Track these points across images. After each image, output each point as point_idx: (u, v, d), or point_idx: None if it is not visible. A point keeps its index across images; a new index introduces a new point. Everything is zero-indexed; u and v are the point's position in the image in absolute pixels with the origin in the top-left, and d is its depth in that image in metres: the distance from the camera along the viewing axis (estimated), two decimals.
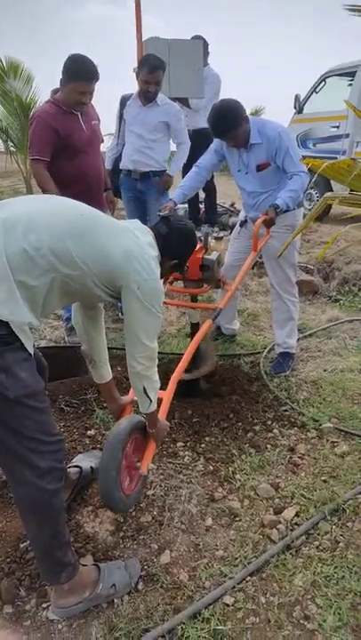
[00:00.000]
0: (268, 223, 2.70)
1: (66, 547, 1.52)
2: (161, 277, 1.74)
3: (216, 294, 3.59)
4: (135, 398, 1.86)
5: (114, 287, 1.57)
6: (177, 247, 1.84)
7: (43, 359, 1.71)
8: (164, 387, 2.00)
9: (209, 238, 2.57)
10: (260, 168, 2.78)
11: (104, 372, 1.98)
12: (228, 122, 2.57)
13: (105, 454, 1.78)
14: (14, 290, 1.32)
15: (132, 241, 1.59)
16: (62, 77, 2.76)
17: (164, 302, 2.71)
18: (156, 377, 1.76)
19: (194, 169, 3.03)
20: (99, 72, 2.76)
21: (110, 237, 1.53)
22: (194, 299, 2.73)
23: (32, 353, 1.41)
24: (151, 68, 3.43)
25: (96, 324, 1.89)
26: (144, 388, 1.72)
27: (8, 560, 1.74)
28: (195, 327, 2.71)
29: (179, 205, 8.03)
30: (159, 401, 1.99)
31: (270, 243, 2.88)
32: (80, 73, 2.72)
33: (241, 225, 3.16)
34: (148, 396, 1.75)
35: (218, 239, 5.93)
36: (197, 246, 2.46)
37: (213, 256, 2.49)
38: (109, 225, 1.59)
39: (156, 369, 1.76)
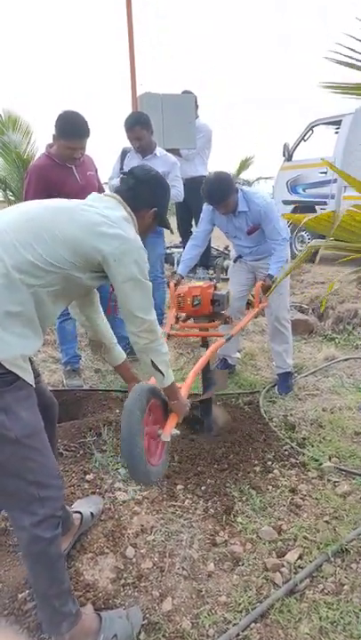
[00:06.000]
0: (265, 290, 3.08)
1: (65, 595, 1.49)
2: (145, 234, 1.74)
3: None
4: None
5: (93, 265, 1.52)
6: (150, 194, 1.76)
7: (51, 395, 1.71)
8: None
9: (216, 282, 2.76)
10: (250, 232, 3.16)
11: (117, 354, 1.97)
12: (221, 192, 2.92)
13: (129, 399, 1.68)
14: None
15: (89, 213, 1.53)
16: (54, 133, 2.92)
17: (176, 334, 2.80)
18: (164, 349, 1.73)
19: (192, 242, 3.35)
20: (89, 129, 2.92)
21: (67, 222, 1.48)
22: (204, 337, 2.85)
23: (33, 384, 1.42)
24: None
25: (94, 306, 1.89)
26: (152, 361, 1.70)
27: (6, 612, 1.69)
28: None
29: (173, 249, 8.15)
30: None
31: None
32: (68, 132, 2.88)
33: (235, 261, 3.46)
34: (158, 370, 1.73)
35: (225, 280, 6.11)
36: (208, 284, 2.67)
37: (223, 292, 2.69)
38: (63, 211, 1.52)
39: (163, 340, 1.72)
